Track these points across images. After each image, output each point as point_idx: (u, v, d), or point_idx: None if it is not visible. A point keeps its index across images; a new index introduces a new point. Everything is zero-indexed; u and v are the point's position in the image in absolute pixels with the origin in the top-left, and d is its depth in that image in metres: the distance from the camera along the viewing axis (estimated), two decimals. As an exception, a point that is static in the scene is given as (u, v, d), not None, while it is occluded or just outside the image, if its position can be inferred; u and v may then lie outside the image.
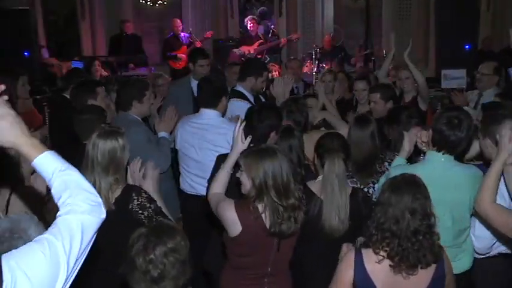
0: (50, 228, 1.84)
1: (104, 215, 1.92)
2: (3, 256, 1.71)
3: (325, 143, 3.45)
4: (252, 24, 10.33)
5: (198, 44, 9.80)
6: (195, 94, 5.12)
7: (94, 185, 3.05)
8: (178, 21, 10.39)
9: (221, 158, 3.84)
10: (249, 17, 10.71)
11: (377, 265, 2.63)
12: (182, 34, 10.26)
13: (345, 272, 2.71)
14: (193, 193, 4.46)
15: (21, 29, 8.92)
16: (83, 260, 1.86)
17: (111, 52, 10.23)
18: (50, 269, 1.73)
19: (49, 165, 1.90)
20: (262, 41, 10.22)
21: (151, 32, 12.10)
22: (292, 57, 8.86)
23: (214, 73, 6.57)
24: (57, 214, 1.86)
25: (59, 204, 1.87)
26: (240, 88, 5.14)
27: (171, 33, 10.36)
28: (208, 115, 4.40)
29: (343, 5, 12.03)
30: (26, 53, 8.92)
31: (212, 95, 4.41)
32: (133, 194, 3.19)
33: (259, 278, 3.09)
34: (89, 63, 9.34)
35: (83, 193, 1.89)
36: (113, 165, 3.18)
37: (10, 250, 1.81)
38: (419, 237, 2.58)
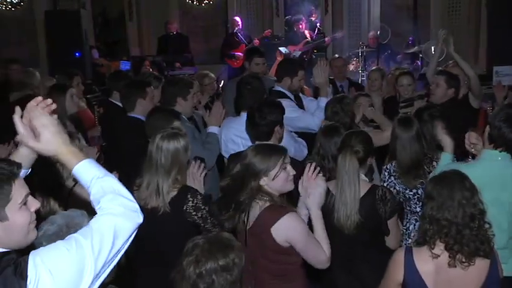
0: (83, 227, 1.88)
1: (140, 220, 1.94)
2: (32, 252, 1.76)
3: (344, 139, 3.45)
4: (302, 25, 10.34)
5: (256, 43, 9.89)
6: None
7: (157, 187, 3.15)
8: (237, 19, 10.47)
9: (233, 158, 3.89)
10: (302, 17, 10.69)
11: (429, 264, 2.58)
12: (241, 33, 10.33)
13: (395, 272, 2.67)
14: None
15: (73, 30, 9.18)
16: (113, 264, 1.87)
17: (159, 52, 10.41)
18: (74, 268, 1.75)
19: (88, 173, 1.95)
20: (308, 39, 10.20)
21: (197, 31, 12.21)
22: (336, 56, 8.79)
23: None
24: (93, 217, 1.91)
25: (96, 209, 1.92)
26: (279, 88, 5.15)
27: (230, 32, 10.44)
28: None
29: (390, 2, 11.83)
30: (77, 54, 9.17)
31: (252, 94, 4.42)
32: (189, 196, 3.23)
33: None
34: (137, 63, 9.55)
35: (119, 198, 1.93)
36: (176, 166, 3.23)
37: None
38: (476, 223, 2.54)
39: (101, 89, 7.75)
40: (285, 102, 4.72)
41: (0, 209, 1.75)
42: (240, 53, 9.96)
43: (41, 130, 1.93)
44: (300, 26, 10.32)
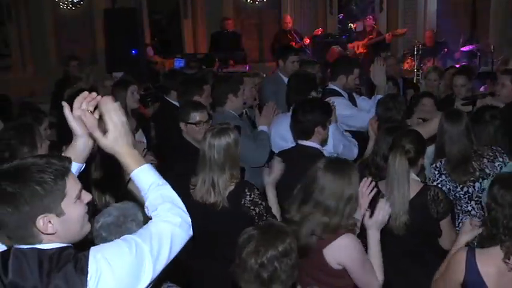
0: (140, 230, 1.91)
1: (191, 234, 1.97)
2: (92, 248, 1.80)
3: (395, 139, 3.39)
4: (362, 22, 10.26)
5: (306, 41, 9.84)
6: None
7: (213, 183, 3.21)
8: (288, 17, 10.46)
9: (280, 155, 3.84)
10: (369, 16, 10.60)
11: (492, 267, 2.53)
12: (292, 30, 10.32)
13: (455, 272, 2.62)
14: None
15: (130, 28, 9.38)
16: (161, 268, 1.89)
17: (212, 49, 10.50)
18: (133, 269, 1.78)
19: (147, 179, 1.98)
20: (372, 36, 10.09)
21: (250, 29, 12.27)
22: (388, 54, 8.66)
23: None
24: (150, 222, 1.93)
25: (152, 215, 1.94)
26: (332, 86, 5.11)
27: (282, 29, 10.44)
28: None
29: (447, -2, 11.53)
30: (133, 51, 9.35)
31: (300, 90, 4.44)
32: (246, 190, 3.27)
33: None
34: (190, 60, 9.67)
35: (176, 209, 1.96)
36: (229, 161, 3.26)
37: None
38: None
39: (155, 86, 7.89)
40: (338, 100, 4.71)
41: (57, 205, 1.78)
42: (291, 51, 9.93)
43: (110, 127, 1.95)
44: (359, 24, 10.24)
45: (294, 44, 9.92)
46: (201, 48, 11.86)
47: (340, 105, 4.54)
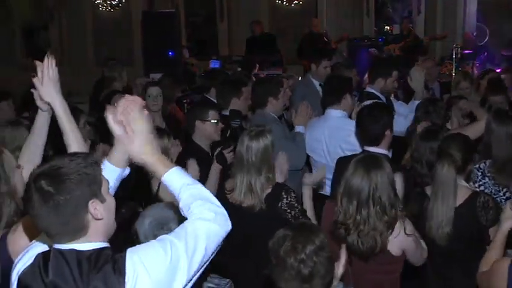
0: (176, 229, 1.91)
1: (230, 227, 1.96)
2: (128, 250, 1.81)
3: (441, 145, 3.32)
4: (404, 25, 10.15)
5: (334, 45, 9.77)
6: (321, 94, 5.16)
7: (250, 185, 3.22)
8: (316, 20, 10.41)
9: (341, 162, 3.82)
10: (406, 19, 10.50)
11: None
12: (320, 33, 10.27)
13: (497, 282, 2.56)
14: (322, 193, 4.47)
15: (167, 30, 9.48)
16: (203, 268, 1.89)
17: (248, 51, 10.52)
18: (169, 269, 1.78)
19: (177, 181, 1.97)
20: (409, 39, 9.96)
21: (287, 31, 12.24)
22: (425, 57, 8.51)
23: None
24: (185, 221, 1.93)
25: (187, 215, 1.94)
26: (371, 89, 5.05)
27: (309, 32, 10.42)
28: (333, 116, 4.39)
29: (488, 0, 11.27)
30: (170, 53, 9.44)
31: (335, 91, 4.41)
32: (283, 193, 3.27)
33: None
34: (225, 62, 9.71)
35: (209, 204, 1.95)
36: (266, 163, 3.27)
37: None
38: None
39: (191, 87, 7.95)
40: (374, 103, 4.66)
41: (98, 191, 1.81)
42: (318, 54, 9.87)
43: (135, 135, 1.96)
44: (396, 27, 10.14)
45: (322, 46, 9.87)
46: (237, 50, 11.89)
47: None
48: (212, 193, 2.03)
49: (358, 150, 3.85)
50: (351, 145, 4.09)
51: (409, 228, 2.87)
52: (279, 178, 3.41)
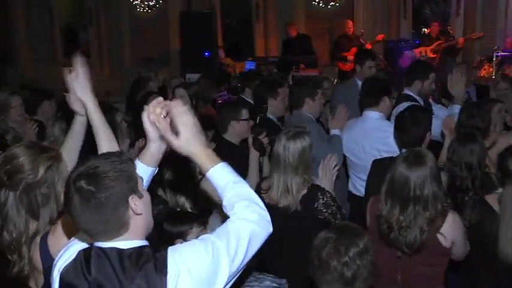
0: (217, 229, 1.91)
1: (271, 230, 1.95)
2: (170, 248, 1.82)
3: (501, 163, 3.24)
4: (433, 27, 10.00)
5: (369, 47, 9.68)
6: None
7: (286, 186, 3.23)
8: (350, 22, 10.34)
9: (377, 163, 3.81)
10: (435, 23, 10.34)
11: None
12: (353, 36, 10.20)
13: None
14: (356, 194, 4.48)
15: (204, 31, 9.55)
16: (243, 268, 1.89)
17: (284, 53, 10.51)
18: (210, 269, 1.78)
19: (223, 177, 1.98)
20: (441, 41, 9.81)
21: (322, 33, 12.18)
22: (459, 62, 8.36)
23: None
24: (227, 220, 1.93)
25: (230, 214, 1.94)
26: (408, 92, 5.00)
27: (342, 34, 10.36)
28: (370, 118, 4.37)
29: (531, 2, 10.96)
30: (206, 53, 9.51)
31: (373, 92, 4.39)
32: (319, 194, 3.27)
33: None
34: (261, 64, 9.73)
35: (254, 206, 1.95)
36: (303, 164, 3.27)
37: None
38: None
39: (227, 87, 7.99)
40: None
41: (135, 187, 1.82)
42: (351, 56, 9.78)
43: (181, 129, 1.97)
44: (431, 28, 9.98)
45: (356, 49, 9.78)
46: (272, 52, 11.90)
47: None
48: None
49: (395, 151, 3.83)
50: (388, 147, 4.08)
51: (458, 219, 2.94)
52: (323, 182, 3.42)
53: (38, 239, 2.25)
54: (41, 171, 2.31)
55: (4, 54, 12.64)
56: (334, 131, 4.50)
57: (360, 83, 5.55)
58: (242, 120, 4.24)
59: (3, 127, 4.47)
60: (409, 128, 3.64)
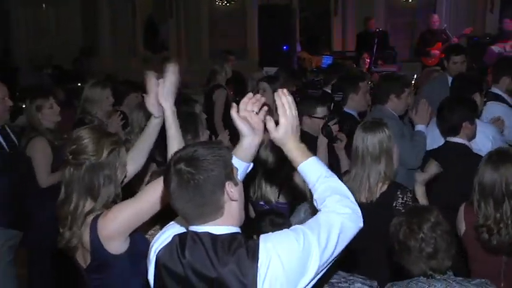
0: (309, 221, 1.91)
1: (361, 225, 1.94)
2: (262, 236, 1.84)
3: None
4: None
5: (455, 41, 9.34)
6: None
7: (364, 180, 3.18)
8: (436, 16, 10.00)
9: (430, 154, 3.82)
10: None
11: None
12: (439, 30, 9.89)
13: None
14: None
15: (283, 24, 9.55)
16: (332, 261, 1.87)
17: (357, 48, 10.35)
18: (301, 258, 1.78)
19: (314, 171, 1.98)
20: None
21: (402, 28, 11.90)
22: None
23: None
24: (318, 213, 1.93)
25: (321, 207, 1.93)
26: (495, 90, 4.81)
27: (427, 29, 10.06)
28: None
29: None
30: (285, 47, 9.49)
31: (464, 89, 4.27)
32: (399, 192, 3.15)
33: None
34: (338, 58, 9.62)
35: (346, 200, 1.93)
36: (383, 156, 3.19)
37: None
38: None
39: (304, 82, 7.96)
40: (499, 107, 4.42)
41: (231, 174, 1.85)
42: (436, 51, 9.48)
43: (282, 121, 1.99)
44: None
45: (440, 44, 9.46)
46: (349, 46, 11.74)
47: (501, 113, 4.35)
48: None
49: (482, 150, 3.70)
50: (474, 144, 3.90)
51: None
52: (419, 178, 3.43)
53: (89, 219, 2.31)
54: (104, 153, 2.36)
55: (89, 47, 13.13)
56: (419, 127, 4.37)
57: (449, 78, 5.40)
58: (314, 117, 4.16)
59: (89, 117, 4.63)
60: (446, 116, 3.79)
